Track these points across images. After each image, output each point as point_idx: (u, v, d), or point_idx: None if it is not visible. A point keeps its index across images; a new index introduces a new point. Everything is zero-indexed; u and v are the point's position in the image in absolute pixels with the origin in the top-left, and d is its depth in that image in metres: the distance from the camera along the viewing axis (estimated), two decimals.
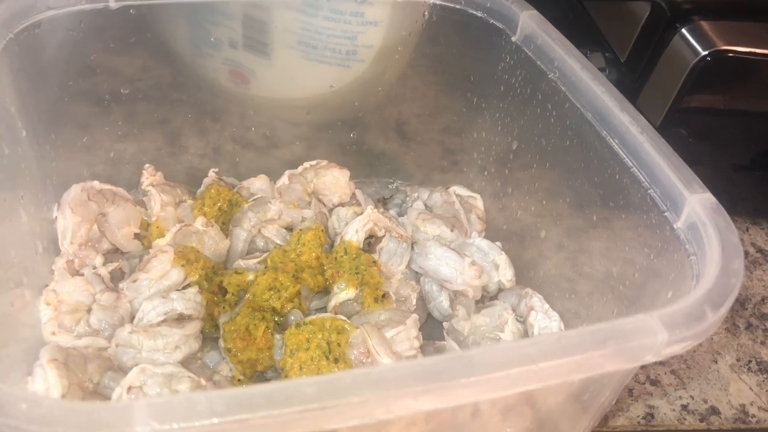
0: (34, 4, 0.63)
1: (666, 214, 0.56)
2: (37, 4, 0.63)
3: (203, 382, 0.57)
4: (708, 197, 0.53)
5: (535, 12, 0.72)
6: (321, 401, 0.36)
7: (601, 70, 0.88)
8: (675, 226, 0.54)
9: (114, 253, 0.72)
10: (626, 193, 0.60)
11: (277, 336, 0.63)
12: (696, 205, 0.53)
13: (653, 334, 0.43)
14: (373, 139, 0.88)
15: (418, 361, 0.39)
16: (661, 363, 0.75)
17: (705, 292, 0.46)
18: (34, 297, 0.62)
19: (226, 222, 0.75)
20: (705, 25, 0.78)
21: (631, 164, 0.59)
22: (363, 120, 0.86)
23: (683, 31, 0.78)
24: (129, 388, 0.55)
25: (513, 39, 0.73)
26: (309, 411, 0.36)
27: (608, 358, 0.42)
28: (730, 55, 0.76)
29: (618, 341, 0.42)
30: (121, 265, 0.69)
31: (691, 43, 0.77)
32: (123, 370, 0.59)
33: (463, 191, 0.83)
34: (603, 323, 0.43)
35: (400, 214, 0.82)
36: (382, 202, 0.85)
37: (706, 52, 0.76)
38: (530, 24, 0.71)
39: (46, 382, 0.53)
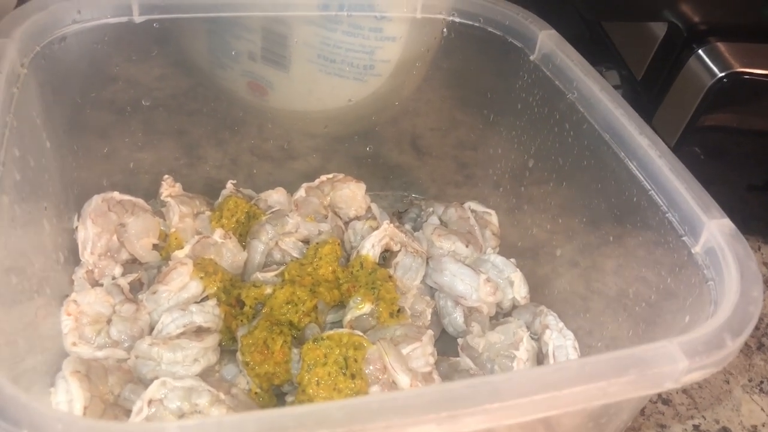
0: (60, 18, 0.64)
1: (684, 238, 0.56)
2: (64, 18, 0.64)
3: (222, 396, 0.57)
4: (726, 223, 0.54)
5: (553, 32, 0.73)
6: (349, 425, 0.37)
7: (616, 87, 0.89)
8: (693, 251, 0.55)
9: (132, 263, 0.73)
10: (643, 216, 0.61)
11: (295, 350, 0.63)
12: (714, 231, 0.53)
13: (673, 362, 0.44)
14: (389, 152, 0.89)
15: (444, 386, 0.40)
16: None
17: (725, 319, 0.46)
18: (55, 307, 0.62)
19: (243, 234, 0.76)
20: (721, 46, 0.79)
21: (649, 187, 0.60)
22: (379, 133, 0.87)
23: (700, 52, 0.79)
24: (150, 401, 0.55)
25: (531, 58, 0.74)
26: None
27: (629, 385, 0.43)
28: (747, 77, 0.76)
29: (639, 368, 0.43)
30: (140, 276, 0.70)
31: (708, 64, 0.78)
32: (143, 383, 0.60)
33: (478, 207, 0.84)
34: (624, 349, 0.44)
35: (415, 229, 0.82)
36: (397, 216, 0.86)
37: (723, 74, 0.76)
38: (548, 44, 0.72)
39: (68, 394, 0.54)
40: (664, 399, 0.74)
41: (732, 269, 0.51)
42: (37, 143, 0.62)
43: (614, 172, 0.64)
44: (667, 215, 0.58)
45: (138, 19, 0.68)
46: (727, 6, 0.82)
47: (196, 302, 0.66)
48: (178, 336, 0.63)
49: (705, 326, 0.46)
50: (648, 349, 0.44)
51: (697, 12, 0.82)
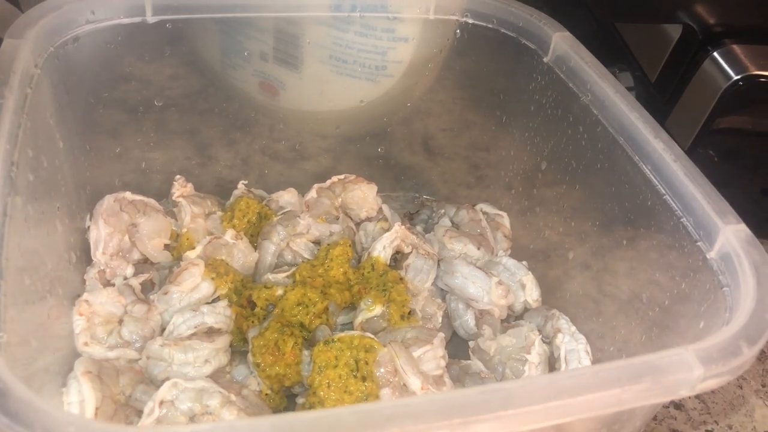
0: (74, 18, 0.64)
1: (699, 243, 0.55)
2: (77, 18, 0.64)
3: (233, 397, 0.57)
4: (742, 228, 0.53)
5: (567, 33, 0.73)
6: (361, 430, 0.37)
7: (630, 89, 0.88)
8: (708, 256, 0.54)
9: (144, 263, 0.73)
10: (657, 220, 0.60)
11: (305, 352, 0.63)
12: (730, 236, 0.53)
13: (689, 369, 0.43)
14: (400, 153, 0.89)
15: (457, 392, 0.39)
16: None
17: (741, 326, 0.46)
18: (67, 307, 0.63)
19: (254, 234, 0.76)
20: (737, 49, 0.78)
21: (663, 191, 0.59)
22: (391, 134, 0.87)
23: (715, 54, 0.78)
24: (161, 402, 0.55)
25: (545, 60, 0.73)
26: None
27: (644, 393, 0.42)
28: (763, 80, 0.76)
29: (654, 376, 0.43)
30: (152, 276, 0.70)
31: (723, 67, 0.77)
32: (154, 383, 0.60)
33: (490, 209, 0.84)
34: (638, 357, 0.44)
35: (427, 230, 0.82)
36: (408, 218, 0.86)
37: (739, 77, 0.76)
38: (562, 45, 0.72)
39: (80, 394, 0.54)
40: (676, 404, 0.73)
41: (748, 275, 0.50)
42: (50, 143, 0.62)
43: (628, 176, 0.63)
44: (681, 220, 0.57)
45: (151, 19, 0.68)
46: (742, 8, 0.82)
47: (207, 303, 0.66)
48: (190, 337, 0.63)
49: (720, 333, 0.46)
50: (663, 356, 0.44)
51: (712, 14, 0.81)
